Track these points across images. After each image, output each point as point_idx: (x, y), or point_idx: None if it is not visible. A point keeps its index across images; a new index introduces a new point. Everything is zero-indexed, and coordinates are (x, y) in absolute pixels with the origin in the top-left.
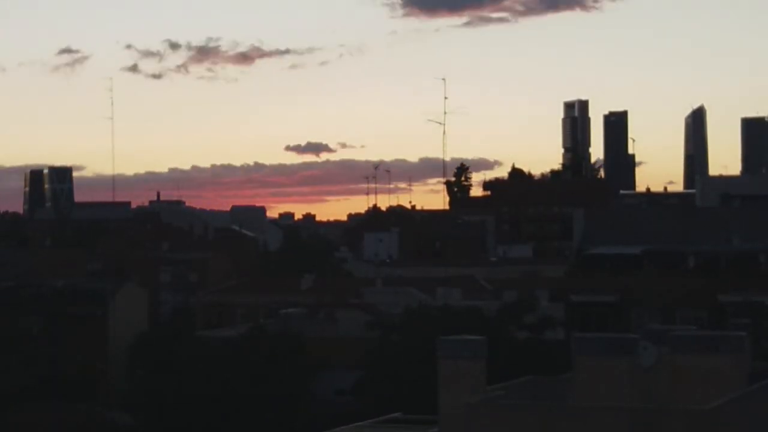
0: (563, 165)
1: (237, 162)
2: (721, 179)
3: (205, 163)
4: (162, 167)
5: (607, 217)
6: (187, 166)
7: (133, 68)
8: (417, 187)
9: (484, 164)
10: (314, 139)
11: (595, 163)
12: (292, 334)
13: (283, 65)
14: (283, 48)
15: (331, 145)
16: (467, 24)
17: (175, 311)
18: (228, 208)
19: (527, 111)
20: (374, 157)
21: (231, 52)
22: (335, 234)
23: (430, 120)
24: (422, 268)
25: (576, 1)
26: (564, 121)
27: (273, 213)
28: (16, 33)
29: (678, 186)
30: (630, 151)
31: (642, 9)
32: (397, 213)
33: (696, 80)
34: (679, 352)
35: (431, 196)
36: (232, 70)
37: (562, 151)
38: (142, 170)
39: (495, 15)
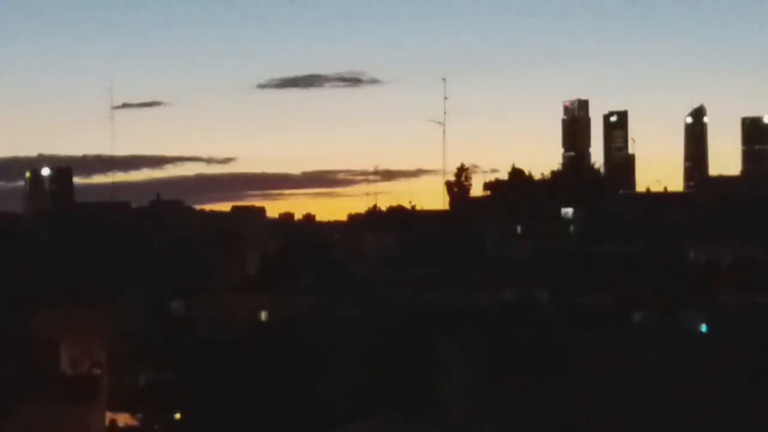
0: (563, 165)
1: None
2: (721, 179)
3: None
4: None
5: (607, 217)
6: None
7: None
8: (417, 187)
9: (485, 164)
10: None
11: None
12: (292, 334)
13: None
14: None
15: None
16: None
17: (175, 311)
18: (228, 208)
19: (527, 111)
20: (374, 157)
21: None
22: (335, 234)
23: (430, 120)
24: (422, 268)
25: None
26: (564, 121)
27: (273, 213)
28: None
29: (678, 186)
30: (630, 151)
31: (642, 8)
32: (397, 213)
33: (696, 80)
34: (679, 352)
35: (431, 196)
36: None
37: (561, 151)
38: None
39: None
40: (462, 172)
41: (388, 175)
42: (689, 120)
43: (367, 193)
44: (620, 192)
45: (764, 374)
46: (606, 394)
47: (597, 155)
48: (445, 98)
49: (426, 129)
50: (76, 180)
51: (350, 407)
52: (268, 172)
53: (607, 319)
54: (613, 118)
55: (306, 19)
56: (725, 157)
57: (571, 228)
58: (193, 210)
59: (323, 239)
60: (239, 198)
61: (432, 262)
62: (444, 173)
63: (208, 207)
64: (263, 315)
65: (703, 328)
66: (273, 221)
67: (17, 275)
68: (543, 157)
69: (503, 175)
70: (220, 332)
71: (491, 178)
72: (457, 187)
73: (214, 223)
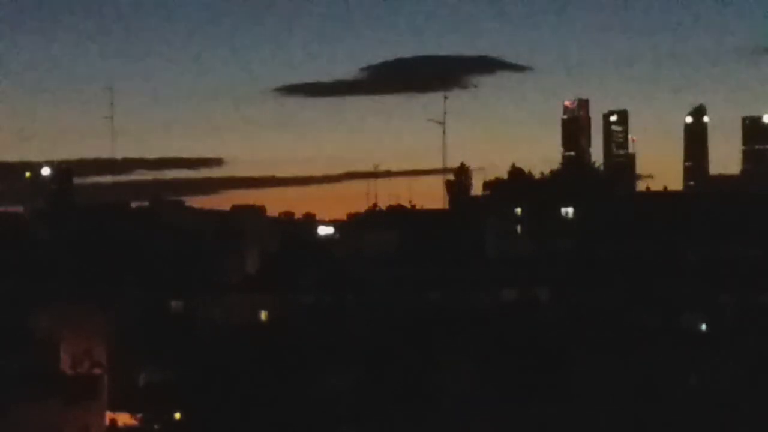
0: (563, 165)
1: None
2: (721, 179)
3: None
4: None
5: (606, 216)
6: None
7: None
8: (417, 187)
9: (484, 164)
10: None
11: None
12: (292, 334)
13: None
14: None
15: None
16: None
17: (175, 310)
18: (228, 208)
19: (527, 110)
20: (374, 157)
21: None
22: (334, 233)
23: (430, 120)
24: (422, 268)
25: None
26: (564, 121)
27: (273, 212)
28: None
29: (677, 185)
30: (630, 151)
31: (644, 8)
32: (397, 212)
33: (696, 80)
34: (679, 351)
35: (431, 196)
36: None
37: (561, 150)
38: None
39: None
40: (462, 172)
41: (388, 175)
42: (689, 120)
43: (367, 193)
44: (620, 191)
45: (764, 374)
46: (606, 394)
47: (597, 155)
48: (445, 98)
49: (426, 129)
50: (77, 180)
51: (350, 407)
52: (267, 172)
53: (607, 319)
54: (613, 118)
55: (308, 22)
56: (725, 157)
57: (571, 227)
58: (193, 209)
59: (323, 238)
60: (238, 196)
61: (432, 261)
62: (444, 173)
63: (207, 206)
64: (263, 314)
65: (703, 328)
66: (273, 220)
67: (17, 275)
68: (543, 157)
69: (503, 175)
70: (220, 332)
71: (491, 177)
72: (457, 187)
73: (213, 222)
